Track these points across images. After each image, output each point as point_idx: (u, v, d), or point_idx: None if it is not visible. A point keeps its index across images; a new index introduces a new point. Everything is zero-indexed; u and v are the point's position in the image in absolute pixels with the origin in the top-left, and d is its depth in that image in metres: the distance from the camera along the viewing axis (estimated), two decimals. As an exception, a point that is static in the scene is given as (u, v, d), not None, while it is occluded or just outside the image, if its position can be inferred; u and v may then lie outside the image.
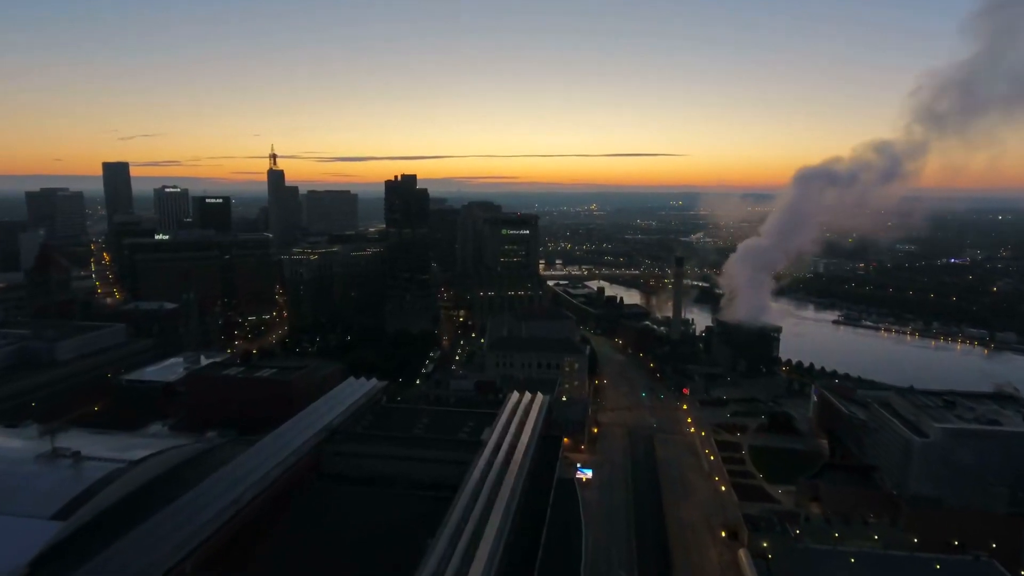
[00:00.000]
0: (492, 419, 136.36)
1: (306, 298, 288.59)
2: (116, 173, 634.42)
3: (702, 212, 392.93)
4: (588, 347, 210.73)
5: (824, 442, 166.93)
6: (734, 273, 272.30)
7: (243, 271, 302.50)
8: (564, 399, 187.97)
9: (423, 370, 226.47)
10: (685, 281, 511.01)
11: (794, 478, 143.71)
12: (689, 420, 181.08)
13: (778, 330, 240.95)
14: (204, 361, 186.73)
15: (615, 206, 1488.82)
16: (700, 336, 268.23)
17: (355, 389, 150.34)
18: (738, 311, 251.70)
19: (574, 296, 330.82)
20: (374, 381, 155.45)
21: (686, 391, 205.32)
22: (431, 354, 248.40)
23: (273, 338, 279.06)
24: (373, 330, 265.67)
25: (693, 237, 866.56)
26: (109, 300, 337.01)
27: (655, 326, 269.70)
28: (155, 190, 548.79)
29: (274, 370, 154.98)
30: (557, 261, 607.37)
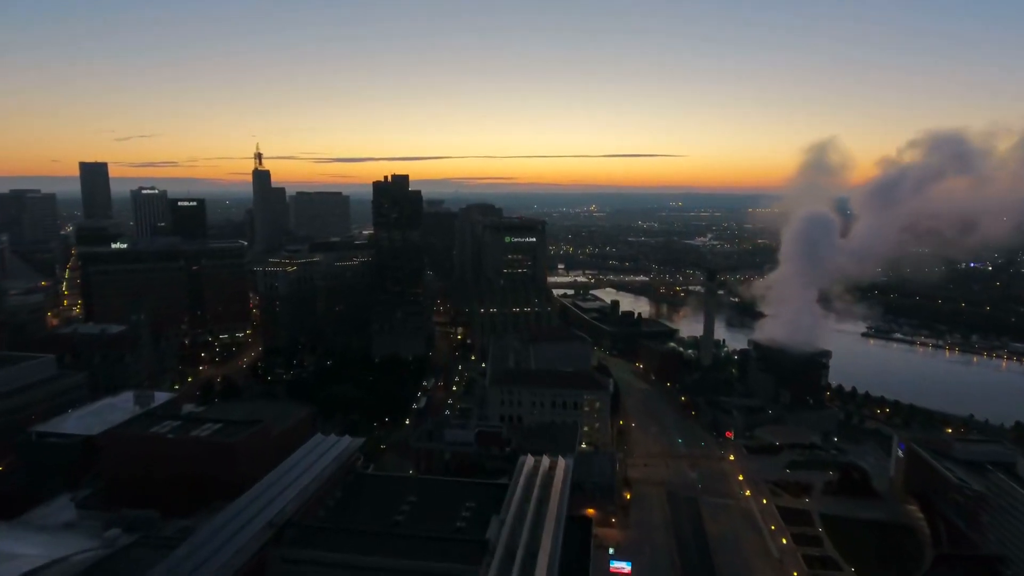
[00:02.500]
0: (499, 495, 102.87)
1: (282, 316, 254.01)
2: (94, 174, 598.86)
3: (776, 211, 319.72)
4: (611, 380, 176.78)
5: (914, 509, 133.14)
6: (775, 281, 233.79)
7: (213, 283, 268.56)
8: (584, 446, 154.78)
9: (415, 405, 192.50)
10: (697, 288, 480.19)
11: (892, 569, 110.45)
12: (740, 477, 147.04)
13: (827, 355, 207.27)
14: (158, 399, 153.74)
15: (614, 207, 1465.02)
16: (733, 359, 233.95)
17: (322, 452, 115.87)
18: (779, 330, 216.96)
19: (585, 311, 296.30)
20: (347, 440, 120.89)
21: (729, 434, 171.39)
22: (424, 383, 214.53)
23: (244, 362, 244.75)
24: (358, 354, 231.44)
25: (699, 240, 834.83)
26: (69, 317, 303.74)
27: (681, 348, 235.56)
28: (131, 192, 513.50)
29: (218, 425, 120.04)
30: (559, 265, 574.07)
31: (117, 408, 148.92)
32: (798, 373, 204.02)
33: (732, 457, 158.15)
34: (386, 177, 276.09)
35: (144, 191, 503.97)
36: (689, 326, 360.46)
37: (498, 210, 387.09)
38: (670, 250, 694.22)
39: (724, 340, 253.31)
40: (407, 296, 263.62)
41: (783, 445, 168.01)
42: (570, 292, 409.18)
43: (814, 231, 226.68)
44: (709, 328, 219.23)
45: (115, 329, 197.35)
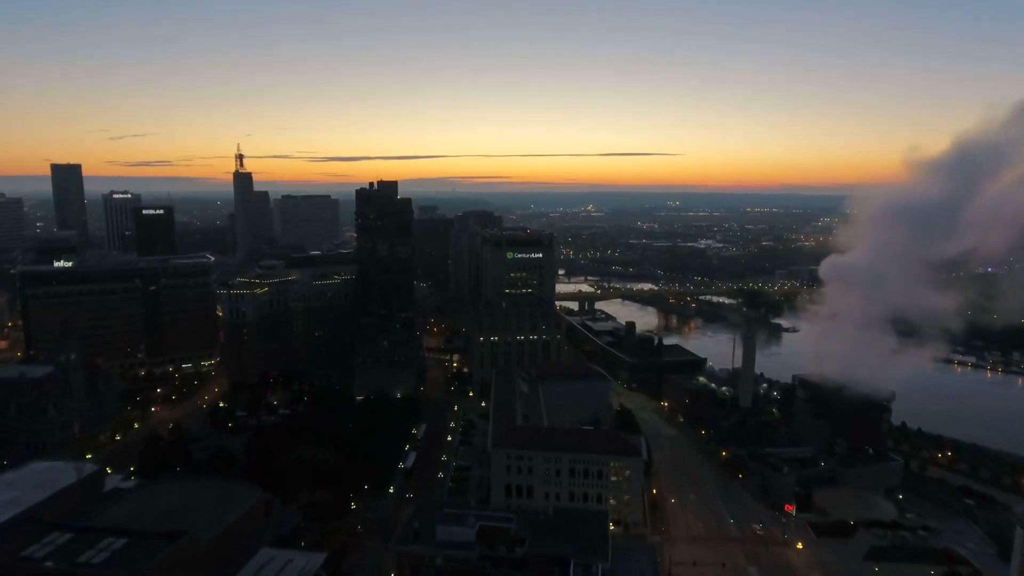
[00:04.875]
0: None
1: (250, 346, 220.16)
2: (66, 176, 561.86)
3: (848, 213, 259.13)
4: (642, 438, 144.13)
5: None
6: (832, 294, 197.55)
7: (174, 306, 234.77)
8: (612, 528, 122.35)
9: (401, 464, 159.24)
10: (708, 298, 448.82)
11: None
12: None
13: (891, 398, 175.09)
14: (86, 471, 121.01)
15: (612, 207, 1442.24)
16: (773, 396, 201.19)
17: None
18: (830, 362, 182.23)
19: (597, 334, 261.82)
20: (302, 561, 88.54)
21: (790, 508, 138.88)
22: (414, 431, 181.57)
23: (205, 399, 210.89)
24: (338, 392, 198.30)
25: (703, 242, 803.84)
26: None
27: (714, 384, 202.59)
28: (103, 196, 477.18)
29: (123, 542, 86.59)
30: (560, 271, 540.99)
31: (16, 488, 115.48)
32: (857, 418, 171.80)
33: (800, 546, 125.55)
34: (371, 184, 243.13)
35: (116, 195, 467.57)
36: (703, 341, 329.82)
37: (497, 218, 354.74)
38: (675, 254, 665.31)
39: (763, 373, 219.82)
40: (395, 320, 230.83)
41: (857, 521, 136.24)
42: (574, 306, 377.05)
43: (935, 220, 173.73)
44: (749, 364, 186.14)
45: (39, 371, 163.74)
